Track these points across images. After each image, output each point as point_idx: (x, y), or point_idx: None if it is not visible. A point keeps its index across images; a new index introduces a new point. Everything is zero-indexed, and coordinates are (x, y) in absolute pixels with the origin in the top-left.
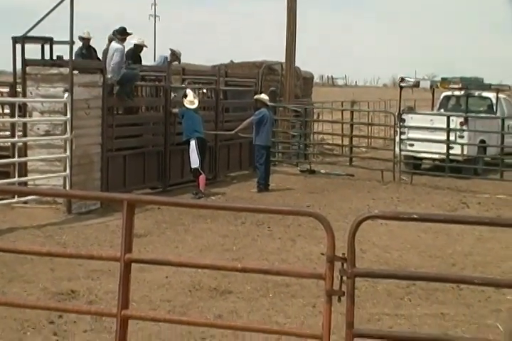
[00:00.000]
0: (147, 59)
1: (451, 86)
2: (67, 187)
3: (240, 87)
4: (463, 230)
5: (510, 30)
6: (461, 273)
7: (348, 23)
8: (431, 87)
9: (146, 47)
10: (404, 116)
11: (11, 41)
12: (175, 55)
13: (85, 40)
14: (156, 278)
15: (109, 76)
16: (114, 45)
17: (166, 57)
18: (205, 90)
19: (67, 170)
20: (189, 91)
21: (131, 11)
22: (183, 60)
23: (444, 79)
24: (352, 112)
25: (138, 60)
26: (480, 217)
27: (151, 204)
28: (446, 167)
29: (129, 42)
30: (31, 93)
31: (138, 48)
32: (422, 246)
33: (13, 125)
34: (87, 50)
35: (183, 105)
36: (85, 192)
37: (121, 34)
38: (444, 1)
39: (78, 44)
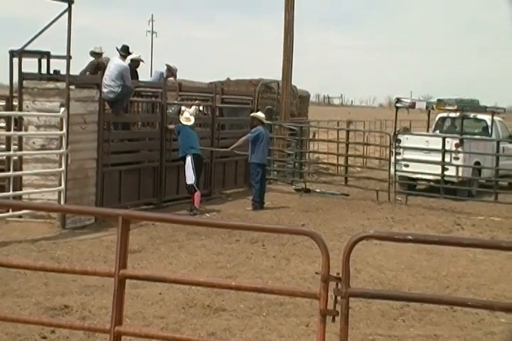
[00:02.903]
0: (143, 74)
1: (447, 107)
2: (62, 202)
3: (237, 105)
4: (457, 251)
5: (511, 31)
6: (454, 295)
7: (345, 43)
8: (426, 108)
9: (143, 62)
10: (399, 137)
11: (8, 54)
12: (170, 71)
13: (97, 56)
14: (149, 294)
15: (105, 90)
16: (118, 61)
17: (162, 73)
18: (201, 107)
19: (62, 185)
20: (185, 109)
21: (128, 27)
22: (180, 76)
23: (439, 101)
24: (348, 132)
25: (135, 75)
26: (474, 239)
27: (145, 220)
28: (441, 188)
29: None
30: (27, 107)
31: (134, 63)
32: (416, 267)
33: (8, 138)
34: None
35: (179, 121)
36: (80, 207)
37: (124, 52)
38: (441, 22)
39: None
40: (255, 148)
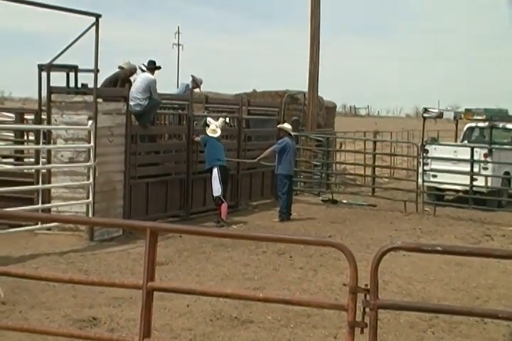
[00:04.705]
0: (170, 87)
1: (475, 117)
2: (90, 215)
3: (263, 116)
4: (486, 263)
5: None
6: (484, 307)
7: (371, 53)
8: (454, 118)
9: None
10: (427, 147)
11: (37, 69)
12: (195, 82)
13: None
14: (177, 306)
15: (132, 103)
16: (145, 74)
17: (188, 85)
18: (227, 119)
19: (90, 197)
20: (211, 120)
21: (155, 40)
22: (207, 88)
23: (467, 111)
24: (375, 142)
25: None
26: (505, 250)
27: (173, 232)
28: (470, 198)
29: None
30: (56, 120)
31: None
32: (445, 278)
33: (37, 152)
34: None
35: (206, 133)
36: (108, 220)
37: (151, 65)
38: (467, 32)
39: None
40: (282, 159)
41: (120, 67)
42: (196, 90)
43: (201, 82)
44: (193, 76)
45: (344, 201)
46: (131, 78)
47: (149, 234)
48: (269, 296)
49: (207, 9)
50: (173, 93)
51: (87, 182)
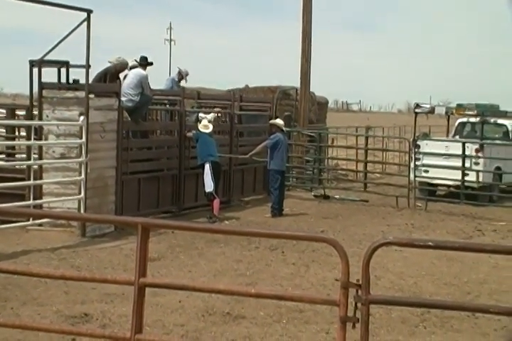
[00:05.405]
0: (163, 83)
1: (467, 112)
2: (82, 211)
3: (255, 112)
4: (478, 258)
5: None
6: (476, 301)
7: (364, 49)
8: (446, 113)
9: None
10: (419, 143)
11: (28, 65)
12: (181, 75)
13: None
14: (169, 302)
15: (124, 99)
16: (137, 70)
17: (174, 78)
18: (219, 114)
19: (82, 193)
20: (203, 115)
21: (146, 35)
22: (199, 84)
23: (459, 106)
24: (367, 138)
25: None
26: (496, 245)
27: (165, 228)
28: (462, 194)
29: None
30: (47, 116)
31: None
32: (437, 273)
33: (28, 148)
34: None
35: (198, 129)
36: (100, 216)
37: (143, 62)
38: (460, 28)
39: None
40: (274, 154)
41: (110, 62)
42: (182, 82)
43: (187, 74)
44: (179, 68)
45: (336, 196)
46: (123, 73)
47: (141, 230)
48: (262, 292)
49: (200, 3)
50: (160, 88)
51: (78, 178)
